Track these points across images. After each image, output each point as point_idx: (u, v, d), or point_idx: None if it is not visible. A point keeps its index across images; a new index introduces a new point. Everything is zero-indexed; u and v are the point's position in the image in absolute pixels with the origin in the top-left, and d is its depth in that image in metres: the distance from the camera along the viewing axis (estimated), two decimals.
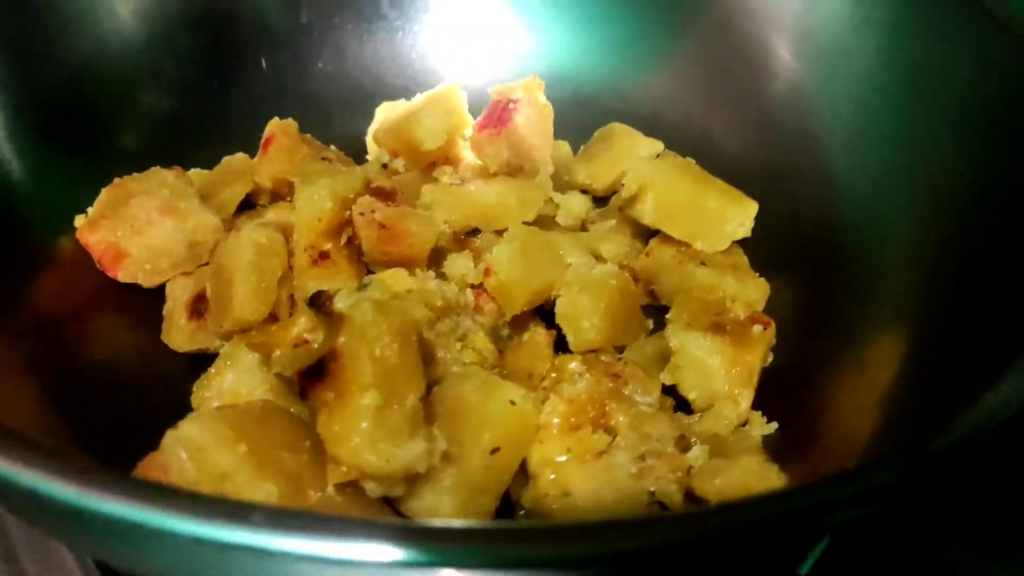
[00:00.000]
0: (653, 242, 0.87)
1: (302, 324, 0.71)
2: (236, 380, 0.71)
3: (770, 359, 0.79)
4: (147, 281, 0.82)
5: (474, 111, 0.94)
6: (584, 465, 0.66)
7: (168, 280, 0.82)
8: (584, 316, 0.77)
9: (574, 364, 0.73)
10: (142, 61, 0.91)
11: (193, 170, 0.90)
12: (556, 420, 0.68)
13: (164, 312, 0.81)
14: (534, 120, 0.92)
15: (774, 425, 0.74)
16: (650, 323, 0.84)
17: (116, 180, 0.83)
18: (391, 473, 0.61)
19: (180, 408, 0.71)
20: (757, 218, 0.86)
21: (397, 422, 0.61)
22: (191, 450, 0.58)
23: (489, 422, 0.66)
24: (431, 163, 0.92)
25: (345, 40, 1.02)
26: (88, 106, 0.86)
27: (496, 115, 0.91)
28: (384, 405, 0.61)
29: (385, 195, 0.81)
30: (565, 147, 0.99)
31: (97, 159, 0.86)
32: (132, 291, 0.82)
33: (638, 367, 0.76)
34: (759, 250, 0.87)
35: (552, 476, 0.66)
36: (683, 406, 0.76)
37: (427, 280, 0.76)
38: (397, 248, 0.78)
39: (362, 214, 0.77)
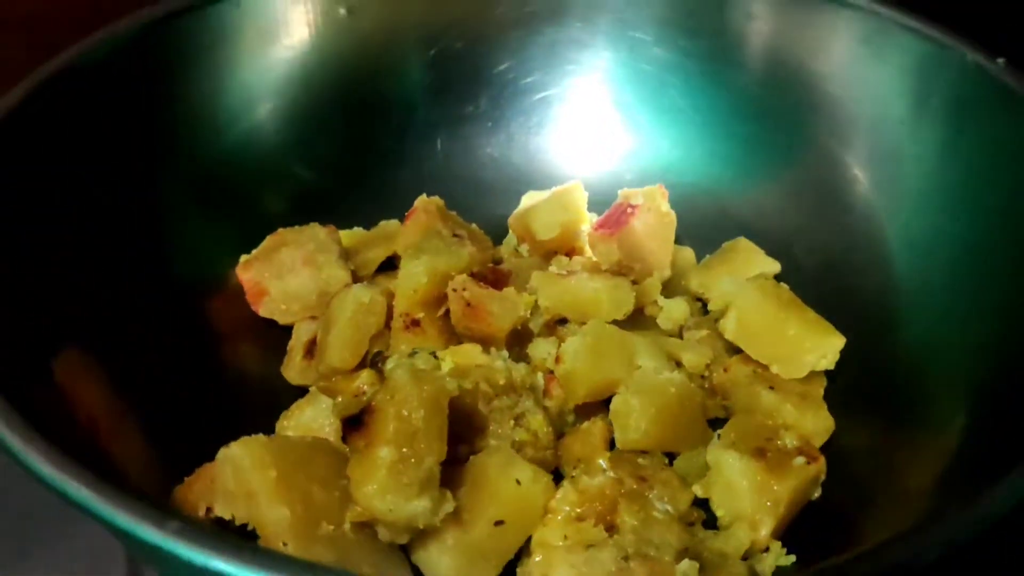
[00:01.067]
0: (735, 359, 0.89)
1: (363, 378, 0.82)
2: (313, 417, 0.83)
3: (817, 494, 0.80)
4: (282, 319, 0.96)
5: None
6: (571, 553, 0.70)
7: (297, 321, 0.96)
8: (633, 416, 0.81)
9: (601, 460, 0.77)
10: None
11: (354, 229, 1.05)
12: (566, 508, 0.74)
13: (288, 347, 0.95)
14: (652, 226, 0.97)
15: (791, 558, 0.74)
16: (716, 435, 0.86)
17: (280, 230, 0.98)
18: (395, 522, 0.69)
19: (267, 431, 0.83)
20: (847, 353, 0.86)
21: (409, 478, 0.69)
22: (233, 467, 0.70)
23: (497, 496, 0.72)
24: (552, 251, 1.00)
25: (515, 130, 1.13)
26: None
27: (615, 217, 0.98)
28: (400, 460, 0.69)
29: (484, 277, 0.90)
30: (689, 254, 1.04)
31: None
32: (271, 326, 0.97)
33: (675, 475, 0.79)
34: (843, 385, 0.87)
35: (539, 558, 0.71)
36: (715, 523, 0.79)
37: (496, 359, 0.84)
38: (478, 325, 0.86)
39: (455, 290, 0.87)
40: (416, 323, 0.87)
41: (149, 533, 0.54)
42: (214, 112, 0.99)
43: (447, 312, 0.88)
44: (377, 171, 1.10)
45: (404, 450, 0.69)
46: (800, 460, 0.77)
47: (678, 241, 1.02)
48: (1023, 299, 0.77)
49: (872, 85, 0.95)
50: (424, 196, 1.01)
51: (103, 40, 0.90)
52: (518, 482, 0.73)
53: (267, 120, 1.03)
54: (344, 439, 0.73)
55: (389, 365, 0.75)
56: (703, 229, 1.05)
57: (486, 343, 0.87)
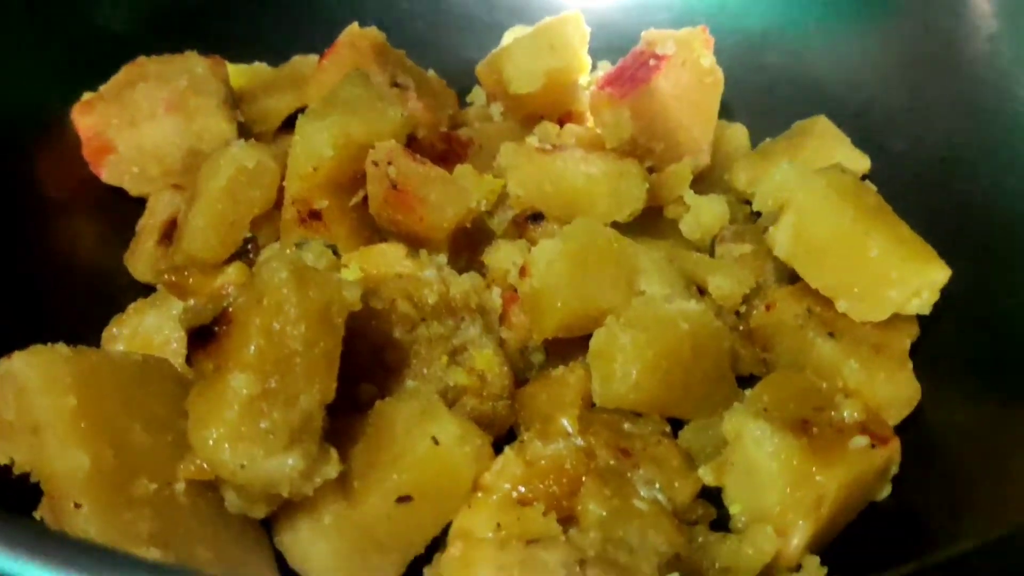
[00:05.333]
0: (785, 290, 0.85)
1: (228, 274, 0.79)
2: (154, 325, 0.80)
3: (886, 491, 0.77)
4: (133, 187, 0.93)
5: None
6: (502, 551, 0.67)
7: (154, 191, 0.92)
8: (620, 359, 0.76)
9: (565, 420, 0.74)
10: None
11: (253, 65, 1.01)
12: (506, 484, 0.70)
13: (137, 228, 0.91)
14: (686, 87, 0.93)
15: None
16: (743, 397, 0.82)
17: (140, 58, 0.94)
18: (247, 484, 0.66)
19: (90, 341, 0.81)
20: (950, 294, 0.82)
21: (274, 423, 0.65)
22: (15, 388, 0.66)
23: (405, 460, 0.69)
24: (536, 115, 0.97)
25: None
26: None
27: (631, 71, 0.93)
28: (262, 396, 0.65)
29: (428, 148, 0.86)
30: (740, 133, 1.00)
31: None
32: (119, 197, 0.93)
33: (676, 451, 0.76)
34: (938, 340, 0.84)
35: (457, 553, 0.68)
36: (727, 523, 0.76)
37: (427, 266, 0.80)
38: (405, 218, 0.82)
39: (375, 163, 0.82)
40: (315, 215, 0.83)
41: None
42: None
43: (365, 199, 0.84)
44: None
45: (270, 382, 0.65)
46: (861, 441, 0.73)
47: (726, 114, 0.99)
48: None
49: None
50: (355, 26, 0.97)
51: None
52: (435, 441, 0.69)
53: None
54: (188, 360, 0.69)
55: (261, 257, 0.71)
56: (765, 98, 1.02)
57: (417, 244, 0.82)
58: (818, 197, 0.82)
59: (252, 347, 0.66)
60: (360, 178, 0.83)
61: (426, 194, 0.81)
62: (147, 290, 0.87)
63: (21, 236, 0.88)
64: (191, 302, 0.76)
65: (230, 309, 0.68)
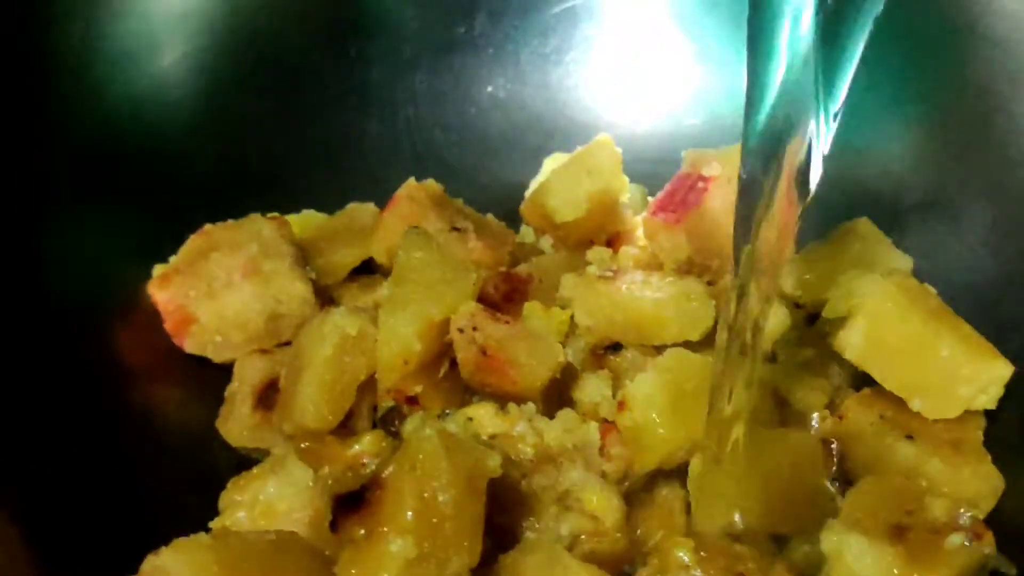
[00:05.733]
0: (853, 399, 0.92)
1: (366, 443, 0.85)
2: (277, 492, 0.85)
3: None
4: (216, 355, 0.98)
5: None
6: None
7: (239, 357, 0.97)
8: (721, 490, 0.83)
9: (683, 553, 0.80)
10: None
11: (306, 213, 1.07)
12: None
13: (226, 393, 0.97)
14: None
15: None
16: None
17: (206, 226, 1.00)
18: None
19: (206, 509, 0.86)
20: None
21: None
22: None
23: None
24: (585, 241, 1.03)
25: (527, 60, 1.15)
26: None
27: (681, 195, 0.99)
28: (418, 559, 0.71)
29: (496, 296, 0.93)
30: None
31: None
32: (201, 364, 0.99)
33: (788, 570, 0.82)
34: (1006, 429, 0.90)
35: None
36: None
37: (518, 420, 0.86)
38: (499, 382, 0.88)
39: (461, 330, 0.88)
40: (412, 400, 0.89)
41: None
42: (99, 62, 1.01)
43: (452, 362, 0.90)
44: (335, 130, 1.12)
45: (424, 545, 0.72)
46: (957, 539, 0.79)
47: None
48: None
49: None
50: (412, 182, 1.03)
51: None
52: None
53: (173, 70, 1.05)
54: (334, 525, 0.75)
55: (409, 426, 0.77)
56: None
57: (510, 399, 0.89)
58: (888, 301, 0.90)
59: (408, 512, 0.72)
60: (444, 349, 0.89)
61: (515, 356, 0.88)
62: (238, 454, 0.93)
63: (113, 411, 0.94)
64: (326, 469, 0.81)
65: (382, 475, 0.74)
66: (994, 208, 1.00)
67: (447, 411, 0.85)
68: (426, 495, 0.73)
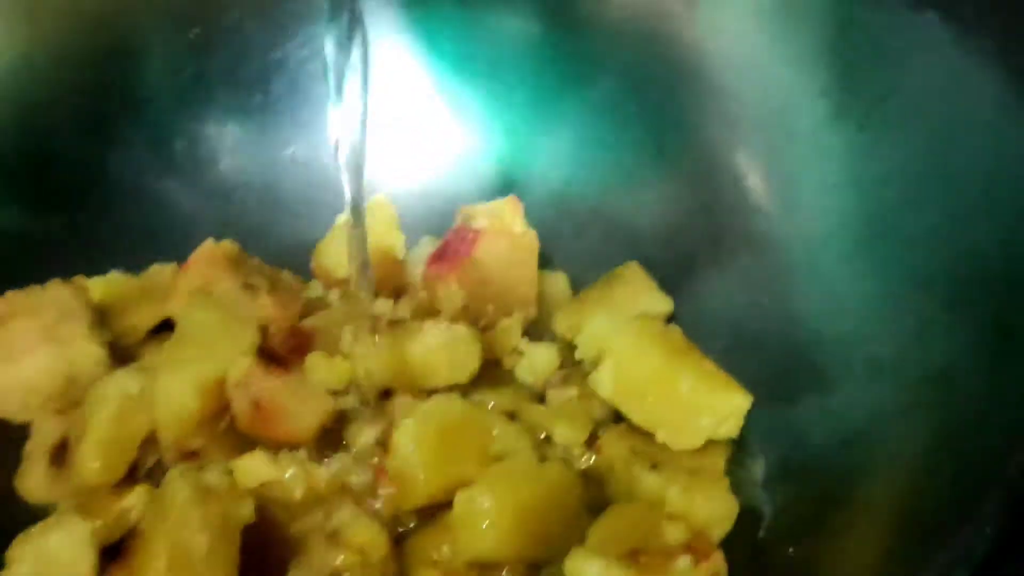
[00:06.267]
0: (609, 434, 0.98)
1: (134, 496, 0.90)
2: (60, 546, 0.88)
3: None
4: (17, 416, 1.02)
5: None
6: None
7: (36, 418, 1.02)
8: (481, 521, 0.88)
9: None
10: None
11: (111, 274, 1.11)
12: None
13: (23, 452, 1.01)
14: (505, 252, 1.06)
15: None
16: None
17: (7, 293, 1.04)
18: None
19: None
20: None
21: None
22: None
23: None
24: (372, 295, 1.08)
25: (320, 123, 1.21)
26: None
27: (453, 247, 1.06)
28: None
29: (278, 351, 0.98)
30: (561, 281, 1.14)
31: None
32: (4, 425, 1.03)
33: None
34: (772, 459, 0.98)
35: None
36: None
37: (288, 466, 0.92)
38: (273, 431, 0.94)
39: (237, 385, 0.93)
40: (192, 454, 0.94)
41: None
42: None
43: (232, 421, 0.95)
44: (142, 195, 1.17)
45: None
46: (685, 561, 0.86)
47: (547, 263, 1.13)
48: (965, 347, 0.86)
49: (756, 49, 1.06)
50: (209, 243, 1.09)
51: None
52: None
53: None
54: None
55: (167, 478, 0.82)
56: (578, 243, 1.16)
57: (288, 446, 0.94)
58: (631, 343, 0.97)
59: (161, 561, 0.78)
60: (223, 406, 0.94)
61: (286, 406, 0.94)
62: (37, 509, 0.97)
63: None
64: (98, 523, 0.86)
65: (139, 526, 0.79)
66: (744, 253, 1.08)
67: (212, 463, 0.89)
68: (178, 542, 0.78)
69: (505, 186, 1.13)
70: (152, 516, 0.79)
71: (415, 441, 0.91)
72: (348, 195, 0.94)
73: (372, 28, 0.99)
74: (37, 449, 1.00)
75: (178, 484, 0.80)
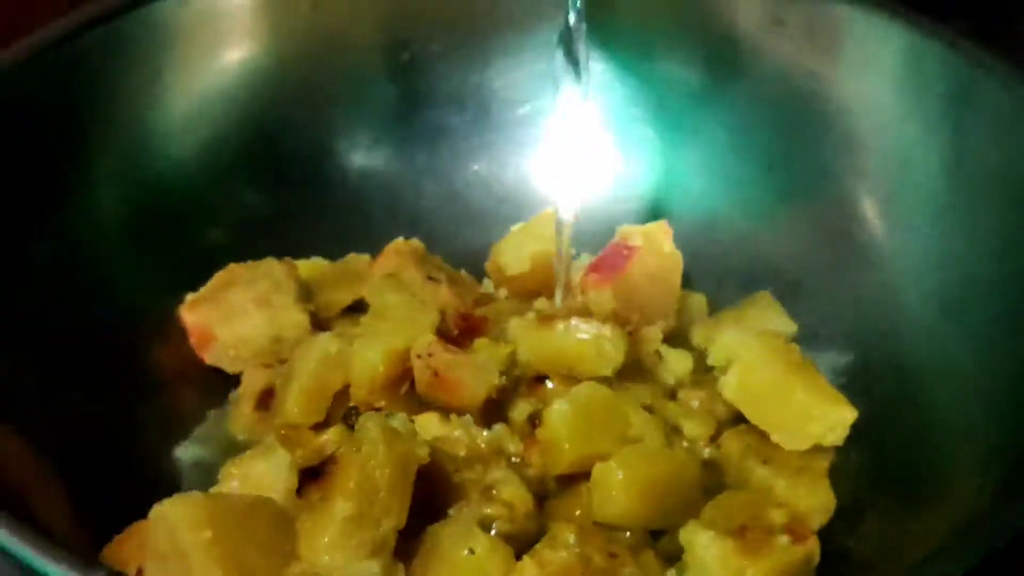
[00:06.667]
0: (729, 432, 1.12)
1: (331, 433, 1.06)
2: (264, 471, 1.05)
3: None
4: (230, 367, 1.21)
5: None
6: None
7: (247, 368, 1.20)
8: (614, 488, 1.02)
9: (568, 534, 1.00)
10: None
11: (314, 260, 1.30)
12: None
13: (233, 396, 1.20)
14: (653, 270, 1.21)
15: None
16: None
17: (230, 265, 1.23)
18: None
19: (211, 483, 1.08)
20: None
21: (363, 539, 0.92)
22: (166, 526, 0.93)
23: (447, 566, 0.96)
24: (533, 292, 1.25)
25: (503, 147, 1.38)
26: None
27: (610, 260, 1.21)
28: (356, 517, 0.92)
29: (455, 331, 1.14)
30: (700, 301, 1.28)
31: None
32: (217, 372, 1.22)
33: (655, 556, 1.02)
34: (860, 464, 1.11)
35: None
36: None
37: (456, 427, 1.07)
38: (446, 397, 1.09)
39: (419, 356, 1.09)
40: (377, 410, 1.10)
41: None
42: (149, 129, 1.25)
43: (411, 384, 1.12)
44: (343, 192, 1.36)
45: (362, 508, 0.93)
46: (784, 539, 0.98)
47: (689, 284, 1.27)
48: None
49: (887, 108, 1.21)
50: (400, 240, 1.27)
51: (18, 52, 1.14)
52: (471, 551, 0.96)
53: (210, 139, 1.29)
54: (299, 492, 0.97)
55: (360, 421, 0.98)
56: (719, 269, 1.31)
57: (457, 411, 1.10)
58: (756, 355, 1.11)
59: (352, 482, 0.93)
60: (405, 372, 1.11)
61: (460, 377, 1.09)
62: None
63: (143, 408, 1.17)
64: (299, 452, 1.02)
65: (336, 454, 0.96)
66: (861, 287, 1.22)
67: (392, 413, 1.06)
68: (365, 470, 0.94)
69: (658, 212, 1.28)
70: (346, 449, 0.95)
71: (564, 418, 1.06)
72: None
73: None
74: (246, 394, 1.19)
75: (370, 424, 0.96)
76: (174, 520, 0.93)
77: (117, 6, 1.21)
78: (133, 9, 1.22)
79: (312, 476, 0.96)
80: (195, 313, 1.21)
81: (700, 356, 1.21)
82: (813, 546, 1.01)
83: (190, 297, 1.22)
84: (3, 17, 1.26)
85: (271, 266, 1.23)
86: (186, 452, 1.17)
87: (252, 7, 1.30)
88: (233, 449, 1.13)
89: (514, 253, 1.25)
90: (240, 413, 1.18)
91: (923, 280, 1.15)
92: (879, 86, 1.22)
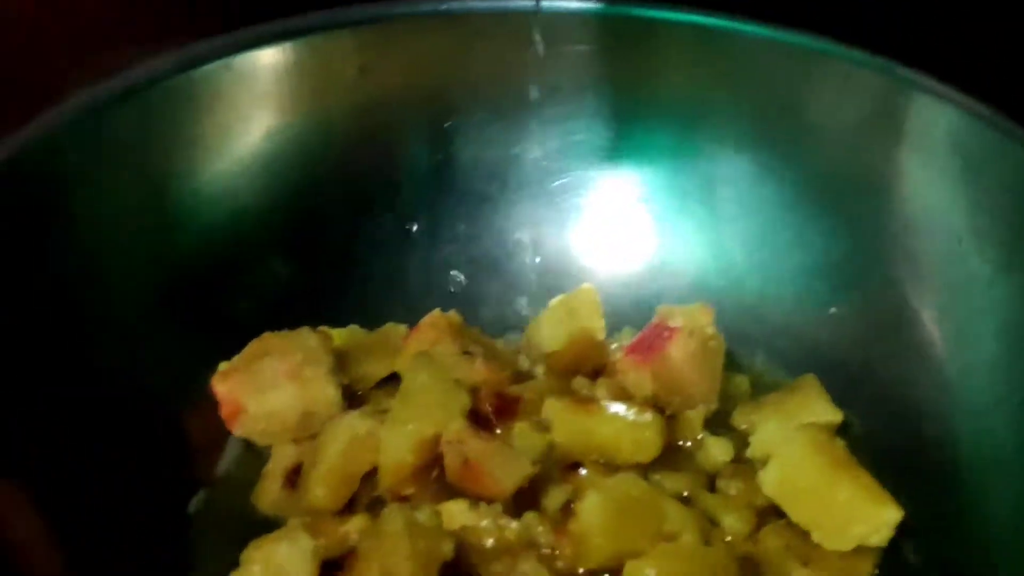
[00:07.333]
0: (767, 528, 1.07)
1: (355, 522, 1.03)
2: (287, 556, 0.99)
3: None
4: (259, 440, 1.17)
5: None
6: None
7: (276, 443, 1.17)
8: None
9: None
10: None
11: (350, 327, 1.27)
12: None
13: (263, 472, 1.16)
14: (694, 352, 1.16)
15: None
16: None
17: (265, 334, 1.20)
18: None
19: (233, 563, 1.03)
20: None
21: None
22: None
23: None
24: (571, 371, 1.21)
25: (543, 218, 1.34)
26: None
27: (648, 341, 1.17)
28: None
29: (491, 416, 1.11)
30: (743, 383, 1.23)
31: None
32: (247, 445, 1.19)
33: None
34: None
35: None
36: None
37: (484, 517, 1.03)
38: (476, 486, 1.05)
39: (450, 442, 1.05)
40: (404, 499, 1.07)
41: None
42: (182, 196, 1.22)
43: (441, 470, 1.07)
44: (379, 261, 1.33)
45: None
46: None
47: (733, 367, 1.23)
48: None
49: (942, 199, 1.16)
50: (437, 312, 1.23)
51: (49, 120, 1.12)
52: None
53: (244, 206, 1.26)
54: None
55: (385, 511, 0.95)
56: (764, 350, 1.27)
57: (487, 500, 1.05)
58: (798, 450, 1.06)
59: None
60: (435, 459, 1.07)
61: (491, 468, 1.05)
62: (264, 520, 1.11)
63: (173, 477, 1.14)
64: (321, 540, 0.99)
65: (358, 548, 0.93)
66: (911, 380, 1.17)
67: (423, 504, 1.02)
68: (387, 566, 0.91)
69: (703, 289, 1.23)
70: (368, 541, 0.92)
71: (597, 511, 1.02)
72: None
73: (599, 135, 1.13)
74: (274, 470, 1.15)
75: (394, 516, 0.93)
76: None
77: (163, 69, 1.20)
78: (178, 73, 1.20)
79: (333, 569, 0.93)
80: (226, 383, 1.17)
81: (741, 438, 1.18)
82: None
83: (223, 366, 1.19)
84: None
85: (306, 336, 1.19)
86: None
87: (297, 70, 1.27)
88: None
89: (550, 330, 1.21)
90: (267, 489, 1.14)
91: (978, 384, 1.11)
92: (941, 174, 1.17)
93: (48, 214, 1.10)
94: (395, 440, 1.06)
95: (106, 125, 1.15)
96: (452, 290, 1.32)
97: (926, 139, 1.18)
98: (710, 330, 1.18)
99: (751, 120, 1.28)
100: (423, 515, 0.98)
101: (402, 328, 1.27)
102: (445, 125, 1.32)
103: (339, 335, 1.25)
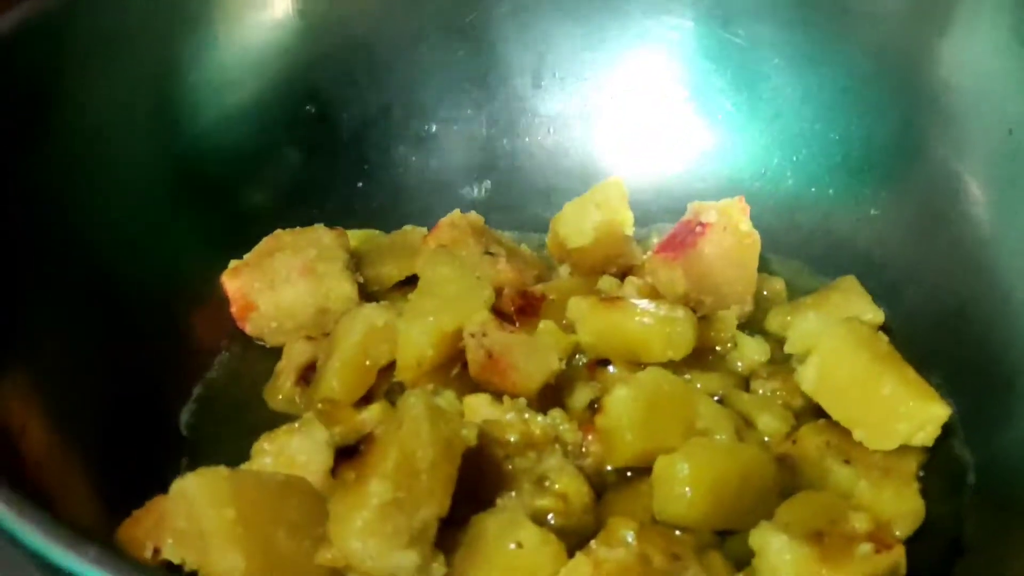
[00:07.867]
0: (806, 427, 1.00)
1: (372, 410, 0.97)
2: (299, 447, 0.95)
3: None
4: (271, 339, 1.12)
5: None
6: None
7: (289, 341, 1.11)
8: (678, 483, 0.92)
9: (627, 531, 0.89)
10: None
11: (368, 232, 1.20)
12: None
13: (275, 368, 1.10)
14: (728, 249, 1.10)
15: None
16: None
17: (277, 231, 1.14)
18: (371, 573, 0.83)
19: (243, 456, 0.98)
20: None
21: (400, 526, 0.82)
22: (187, 502, 0.84)
23: (492, 560, 0.86)
24: (598, 270, 1.14)
25: (572, 114, 1.28)
26: None
27: (680, 237, 1.10)
28: (393, 502, 0.82)
29: (511, 309, 1.04)
30: (779, 286, 1.17)
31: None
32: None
33: (721, 558, 0.91)
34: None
35: None
36: None
37: (509, 410, 0.97)
38: (500, 381, 0.99)
39: (472, 336, 1.00)
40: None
41: (62, 557, 0.66)
42: (189, 88, 1.16)
43: (463, 365, 1.02)
44: (404, 167, 1.27)
45: (400, 492, 0.83)
46: (866, 548, 0.87)
47: (768, 270, 1.17)
48: None
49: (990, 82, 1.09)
50: (457, 212, 1.17)
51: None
52: (519, 545, 0.85)
53: (256, 95, 1.20)
54: (333, 471, 0.87)
55: (406, 395, 0.88)
56: (800, 253, 1.20)
57: (511, 396, 1.00)
58: (838, 343, 0.99)
59: (391, 462, 0.83)
60: (456, 354, 1.01)
61: (516, 360, 0.99)
62: (278, 418, 1.05)
63: (178, 375, 1.09)
64: (336, 429, 0.94)
65: (375, 432, 0.86)
66: (959, 274, 1.10)
67: (438, 390, 0.96)
68: (406, 450, 0.84)
69: (736, 190, 1.16)
70: (387, 426, 0.85)
71: (626, 405, 0.96)
72: None
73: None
74: (287, 367, 1.09)
75: (414, 400, 0.86)
76: (194, 496, 0.84)
77: None
78: None
79: (348, 455, 0.87)
80: (237, 279, 1.12)
81: (777, 344, 1.11)
82: (899, 557, 0.89)
83: (233, 263, 1.13)
84: None
85: (320, 233, 1.14)
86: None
87: None
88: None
89: (576, 224, 1.14)
90: (279, 387, 1.09)
91: None
92: (986, 60, 1.10)
93: (48, 95, 1.04)
94: (414, 333, 1.00)
95: (116, 7, 1.10)
96: (475, 194, 1.26)
97: (977, 19, 1.11)
98: (745, 226, 1.11)
99: (790, 6, 1.21)
100: (444, 400, 0.92)
101: (421, 230, 1.21)
102: (467, 17, 1.25)
103: (355, 236, 1.19)
